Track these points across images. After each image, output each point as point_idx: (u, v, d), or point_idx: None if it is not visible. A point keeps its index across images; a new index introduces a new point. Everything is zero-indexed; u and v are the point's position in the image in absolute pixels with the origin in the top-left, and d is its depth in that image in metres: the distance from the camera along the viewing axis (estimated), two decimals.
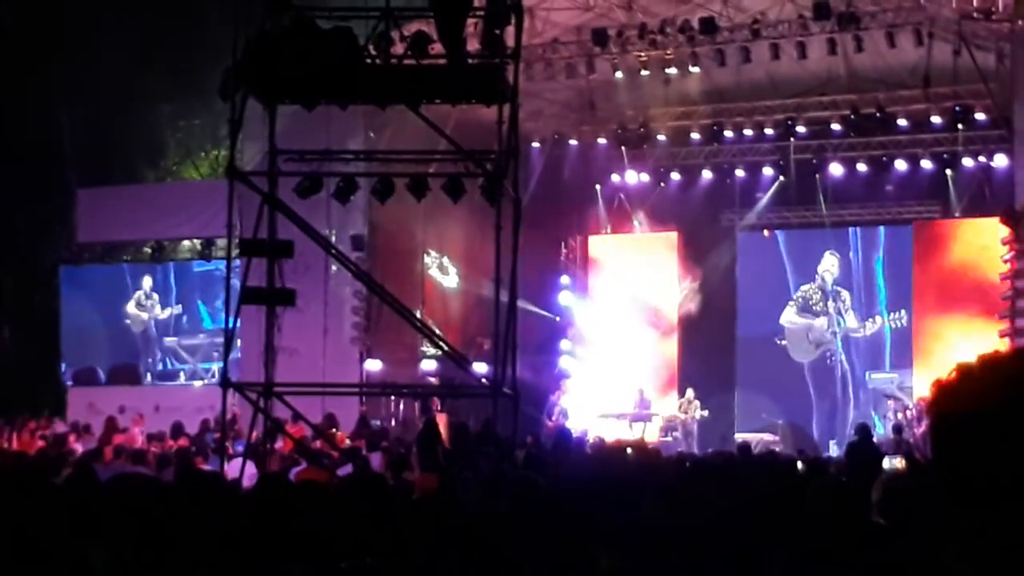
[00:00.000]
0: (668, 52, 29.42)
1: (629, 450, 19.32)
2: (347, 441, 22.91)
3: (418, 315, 25.54)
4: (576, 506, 6.80)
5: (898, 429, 25.44)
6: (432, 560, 5.11)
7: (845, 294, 32.04)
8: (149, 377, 32.83)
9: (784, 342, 32.35)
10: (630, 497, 7.56)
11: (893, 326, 31.47)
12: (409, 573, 5.41)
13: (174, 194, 33.58)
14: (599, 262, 34.18)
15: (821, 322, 32.16)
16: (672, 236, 33.42)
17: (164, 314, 32.90)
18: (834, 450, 27.91)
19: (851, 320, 31.95)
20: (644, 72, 30.11)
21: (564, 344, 33.86)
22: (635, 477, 9.62)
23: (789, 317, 32.37)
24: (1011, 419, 1.97)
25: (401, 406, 29.79)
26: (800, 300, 32.40)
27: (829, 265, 32.22)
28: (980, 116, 29.55)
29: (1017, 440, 1.96)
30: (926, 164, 31.11)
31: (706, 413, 31.07)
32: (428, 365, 30.36)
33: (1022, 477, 1.95)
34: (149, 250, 34.07)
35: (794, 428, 30.17)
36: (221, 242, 27.24)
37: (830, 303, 32.15)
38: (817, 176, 32.17)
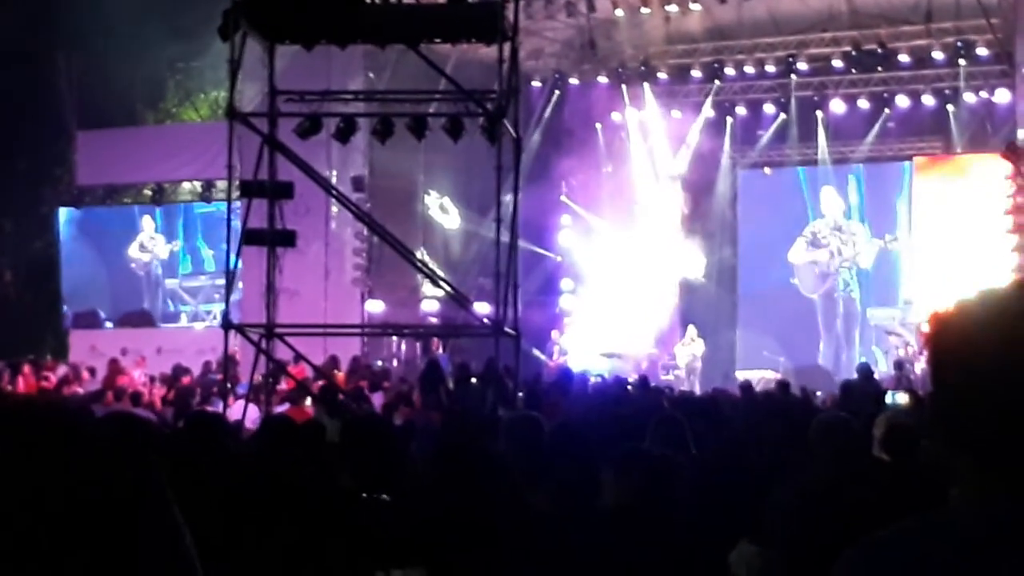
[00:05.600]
0: None
1: (630, 387, 19.34)
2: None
3: (419, 256, 25.52)
4: (579, 443, 6.82)
5: (899, 365, 25.48)
6: (440, 496, 5.13)
7: (855, 227, 31.99)
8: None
9: (796, 280, 32.37)
10: (633, 432, 7.59)
11: (895, 260, 31.49)
12: (419, 510, 5.43)
13: (174, 136, 33.49)
14: (600, 200, 34.08)
15: (823, 255, 32.16)
16: (673, 174, 33.29)
17: (165, 252, 32.91)
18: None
19: (852, 251, 31.94)
20: (644, 10, 29.98)
21: (565, 284, 33.82)
22: (636, 415, 9.65)
23: (798, 252, 32.35)
24: (1008, 352, 1.97)
25: (403, 347, 29.84)
26: (809, 235, 32.38)
27: (830, 201, 32.19)
28: (982, 51, 29.38)
29: (1014, 372, 1.95)
30: (928, 100, 31.01)
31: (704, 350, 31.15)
32: (430, 305, 30.38)
33: (1019, 410, 1.94)
34: (149, 192, 34.05)
35: (797, 366, 30.20)
36: (221, 184, 27.14)
37: (833, 237, 32.13)
38: (818, 113, 32.08)
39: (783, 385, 20.89)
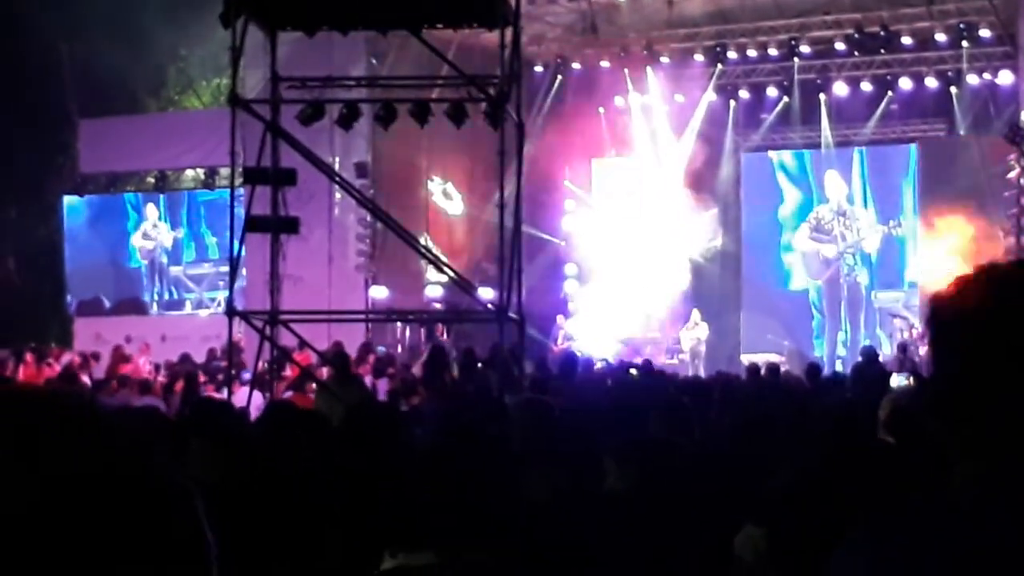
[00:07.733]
0: None
1: (633, 371, 19.33)
2: None
3: (423, 241, 25.50)
4: (584, 428, 6.83)
5: (903, 348, 25.48)
6: (445, 479, 5.14)
7: (859, 211, 31.98)
8: (155, 307, 32.92)
9: (801, 265, 32.35)
10: (637, 417, 7.60)
11: (899, 243, 31.48)
12: (425, 493, 5.44)
13: (176, 123, 33.47)
14: (603, 185, 34.09)
15: (828, 243, 32.15)
16: (675, 158, 33.24)
17: (169, 240, 32.95)
18: (840, 369, 27.92)
19: (856, 236, 31.92)
20: None
21: (569, 268, 33.82)
22: (642, 398, 9.67)
23: (803, 237, 32.34)
24: (1008, 330, 1.97)
25: (407, 333, 29.83)
26: (813, 221, 32.37)
27: (834, 184, 32.18)
28: (985, 33, 29.35)
29: (1014, 350, 1.95)
30: (931, 82, 30.98)
31: (708, 334, 31.15)
32: (433, 291, 30.35)
33: (1018, 387, 1.95)
34: (152, 180, 34.06)
35: (801, 349, 30.22)
36: (224, 171, 27.13)
37: (837, 222, 32.12)
38: (821, 96, 32.05)
39: (773, 370, 20.70)
